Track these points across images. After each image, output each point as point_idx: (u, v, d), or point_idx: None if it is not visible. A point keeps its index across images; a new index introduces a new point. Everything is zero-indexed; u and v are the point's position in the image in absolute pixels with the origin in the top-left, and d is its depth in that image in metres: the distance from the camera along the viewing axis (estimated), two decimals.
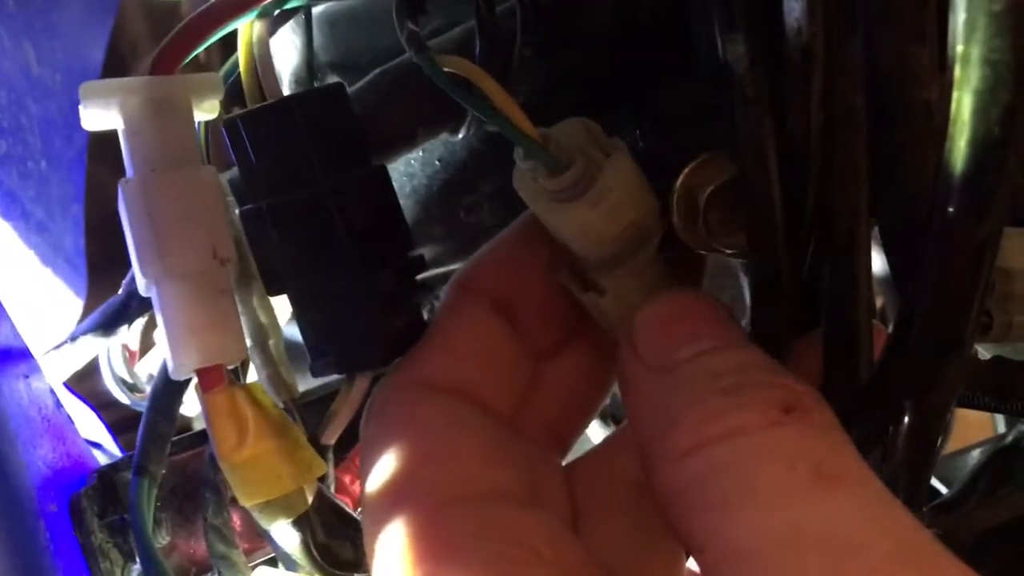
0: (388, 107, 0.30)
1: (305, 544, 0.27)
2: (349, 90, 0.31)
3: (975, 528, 0.36)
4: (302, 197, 0.26)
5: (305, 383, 0.32)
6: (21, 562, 0.31)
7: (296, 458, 0.27)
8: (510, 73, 0.29)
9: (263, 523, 0.27)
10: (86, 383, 0.42)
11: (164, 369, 0.31)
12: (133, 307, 0.31)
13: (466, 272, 0.29)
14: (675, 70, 0.30)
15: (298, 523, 0.27)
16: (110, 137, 0.27)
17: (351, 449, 0.34)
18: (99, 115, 0.26)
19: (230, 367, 0.27)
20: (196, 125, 0.27)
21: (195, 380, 0.26)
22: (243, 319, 0.28)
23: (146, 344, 0.40)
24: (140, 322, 0.33)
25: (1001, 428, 0.46)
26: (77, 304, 0.54)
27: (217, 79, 0.27)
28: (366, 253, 0.26)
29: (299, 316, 0.28)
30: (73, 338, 0.31)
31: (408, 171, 0.36)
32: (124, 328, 0.32)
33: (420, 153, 0.35)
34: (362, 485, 0.26)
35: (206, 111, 0.27)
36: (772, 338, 0.27)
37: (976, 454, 0.44)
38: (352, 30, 0.36)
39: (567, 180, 0.25)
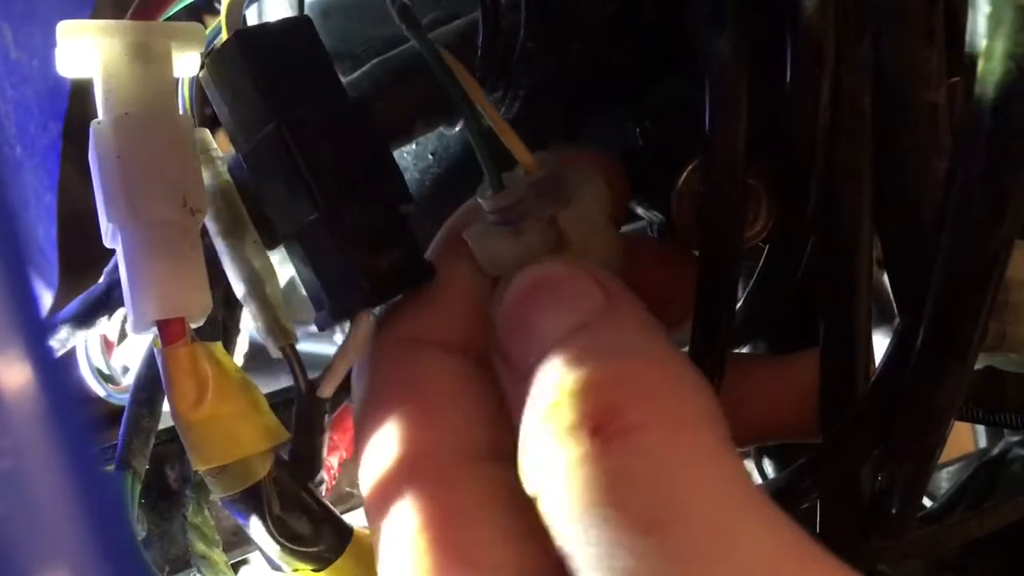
0: (386, 98, 0.30)
1: (260, 515, 0.26)
2: (346, 79, 0.31)
3: (960, 539, 0.36)
4: (261, 137, 0.25)
5: (269, 385, 0.31)
6: None
7: (256, 422, 0.26)
8: (512, 66, 0.29)
9: (216, 491, 0.26)
10: None
11: (147, 360, 0.30)
12: (114, 296, 0.30)
13: (455, 226, 0.28)
14: (677, 65, 0.30)
15: (254, 492, 0.26)
16: (79, 136, 0.26)
17: (338, 407, 0.33)
18: (75, 57, 0.25)
19: (193, 325, 0.26)
20: (176, 76, 0.26)
21: (154, 333, 0.25)
22: (237, 267, 0.26)
23: (125, 335, 0.39)
24: (120, 312, 0.32)
25: (982, 442, 0.46)
26: (47, 295, 0.53)
27: (200, 29, 0.26)
28: (330, 186, 0.25)
29: (296, 267, 0.27)
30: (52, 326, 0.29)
31: (401, 164, 0.35)
32: (104, 319, 0.31)
33: (414, 146, 0.35)
34: (358, 441, 0.25)
35: (186, 63, 0.27)
36: (713, 340, 0.26)
37: (954, 469, 0.44)
38: (347, 20, 0.35)
39: (492, 203, 0.26)
